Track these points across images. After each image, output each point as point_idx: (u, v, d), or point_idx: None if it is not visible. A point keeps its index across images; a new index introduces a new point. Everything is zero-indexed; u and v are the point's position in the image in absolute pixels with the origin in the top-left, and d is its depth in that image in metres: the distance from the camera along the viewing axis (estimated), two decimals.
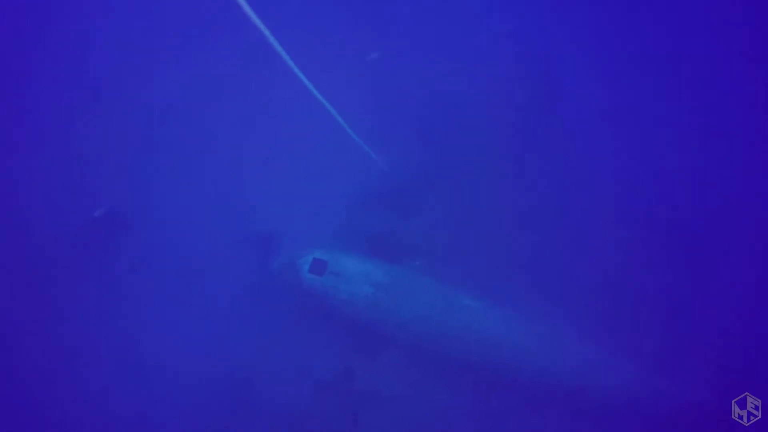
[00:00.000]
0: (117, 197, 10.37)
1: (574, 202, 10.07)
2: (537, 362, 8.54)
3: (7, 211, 10.13)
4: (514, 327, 8.74)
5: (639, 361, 8.55)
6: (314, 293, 8.90)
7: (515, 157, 10.51)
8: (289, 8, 10.72)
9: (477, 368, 8.73)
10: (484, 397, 8.77)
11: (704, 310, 9.15)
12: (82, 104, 11.40)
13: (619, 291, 9.29)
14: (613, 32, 11.53)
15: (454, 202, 10.05)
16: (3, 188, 10.38)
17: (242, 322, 9.29)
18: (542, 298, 9.06)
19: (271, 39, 7.27)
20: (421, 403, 8.72)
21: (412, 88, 11.26)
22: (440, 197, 10.13)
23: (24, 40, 11.91)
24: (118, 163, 10.67)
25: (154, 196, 10.43)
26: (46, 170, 10.53)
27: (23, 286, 9.67)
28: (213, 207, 10.26)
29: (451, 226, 9.84)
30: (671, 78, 11.15)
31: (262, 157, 10.63)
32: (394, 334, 8.84)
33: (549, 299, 9.08)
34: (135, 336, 9.26)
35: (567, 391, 8.50)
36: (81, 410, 8.70)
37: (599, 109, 10.77)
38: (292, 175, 10.51)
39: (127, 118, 11.29)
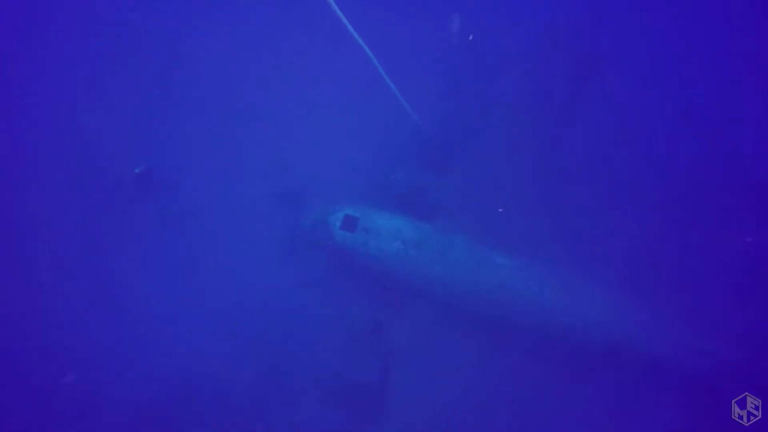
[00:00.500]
0: (157, 154, 10.59)
1: (615, 161, 9.71)
2: (571, 322, 8.35)
3: (54, 168, 10.53)
4: (549, 286, 8.54)
5: (678, 321, 8.26)
6: (345, 249, 8.96)
7: (557, 115, 10.12)
8: None
9: (509, 327, 8.66)
10: (516, 357, 8.72)
11: (747, 274, 8.74)
12: (124, 63, 11.63)
13: (658, 253, 8.98)
14: None
15: (491, 159, 9.77)
16: (50, 147, 10.77)
17: (275, 276, 9.49)
18: (579, 258, 8.83)
19: None
20: (451, 360, 8.75)
21: (455, 45, 10.89)
22: (476, 154, 9.87)
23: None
24: (158, 120, 10.85)
25: (192, 151, 10.61)
26: (88, 128, 10.84)
27: (67, 240, 10.11)
28: (249, 162, 10.37)
29: (487, 183, 9.60)
30: (722, 41, 10.36)
31: (298, 111, 10.60)
32: (425, 291, 8.84)
33: (586, 259, 8.85)
34: (171, 288, 9.57)
35: (601, 350, 8.32)
36: (120, 361, 9.14)
37: (648, 65, 10.19)
38: (329, 129, 10.47)
39: (167, 76, 11.45)
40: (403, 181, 9.69)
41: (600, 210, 9.36)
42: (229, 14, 11.67)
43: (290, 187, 9.99)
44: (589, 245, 9.03)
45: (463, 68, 10.66)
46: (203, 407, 8.61)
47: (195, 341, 9.09)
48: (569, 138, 9.98)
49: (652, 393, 8.38)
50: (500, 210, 9.21)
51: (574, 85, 10.36)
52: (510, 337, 8.71)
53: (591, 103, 10.23)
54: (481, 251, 8.80)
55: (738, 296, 8.62)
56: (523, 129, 9.95)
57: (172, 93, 11.16)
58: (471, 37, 10.35)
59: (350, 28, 7.91)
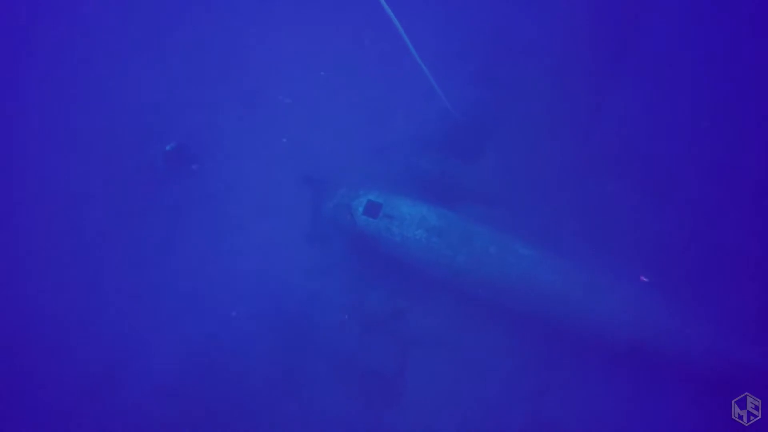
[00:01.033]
0: (187, 132, 10.72)
1: (648, 157, 9.32)
2: (592, 317, 8.22)
3: (86, 144, 10.79)
4: (571, 279, 8.39)
5: (700, 322, 8.06)
6: (367, 235, 8.94)
7: (588, 104, 9.78)
8: None
9: (530, 318, 8.57)
10: (535, 348, 8.66)
11: None
12: (155, 43, 11.69)
13: (686, 251, 8.72)
14: None
15: (519, 147, 9.60)
16: (82, 125, 11.01)
17: (299, 259, 9.57)
18: (603, 252, 8.63)
19: None
20: (470, 349, 8.75)
21: (485, 28, 10.55)
22: (505, 143, 9.71)
23: None
24: (189, 99, 10.94)
25: (222, 131, 10.68)
26: (121, 105, 11.03)
27: (98, 214, 10.39)
28: (274, 144, 10.38)
29: (513, 172, 9.45)
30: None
31: (326, 92, 10.50)
32: (446, 280, 8.79)
33: (610, 253, 8.64)
34: (197, 266, 9.78)
35: (621, 347, 8.19)
36: (140, 336, 9.46)
37: (687, 56, 9.58)
38: (356, 111, 10.38)
39: (200, 56, 11.46)
40: (429, 167, 9.55)
41: (628, 206, 9.09)
42: None
43: (315, 170, 9.98)
44: (615, 241, 8.83)
45: (497, 55, 10.36)
46: (221, 385, 8.86)
47: (215, 319, 9.31)
48: (601, 131, 9.64)
49: (667, 391, 8.24)
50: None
51: (609, 76, 9.96)
52: (530, 329, 8.64)
53: (625, 95, 9.83)
54: (504, 241, 8.67)
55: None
56: (555, 119, 9.70)
57: (202, 72, 11.19)
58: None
59: (386, 6, 7.66)
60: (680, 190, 9.11)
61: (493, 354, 8.75)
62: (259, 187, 10.19)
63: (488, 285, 8.55)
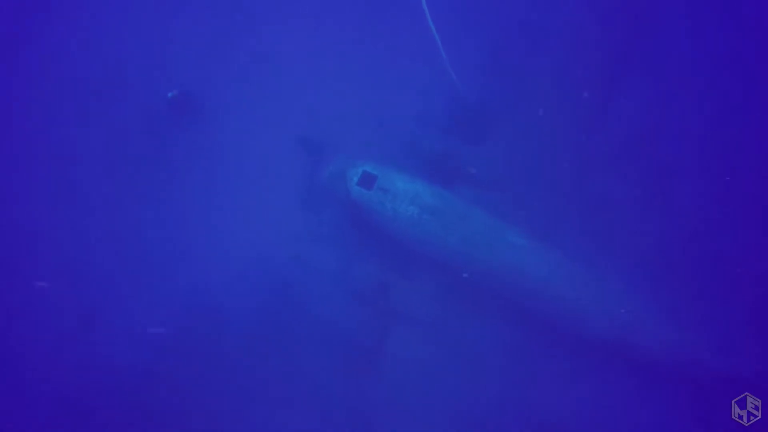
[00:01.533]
0: (192, 81, 10.47)
1: (653, 157, 9.13)
2: (576, 312, 8.25)
3: (84, 87, 10.58)
4: (560, 274, 8.37)
5: (686, 329, 8.11)
6: (359, 206, 8.86)
7: (598, 97, 9.55)
8: None
9: (515, 306, 8.59)
10: (517, 337, 8.70)
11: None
12: None
13: (682, 255, 8.66)
14: None
15: (523, 136, 9.42)
16: (82, 65, 10.77)
17: (289, 223, 9.50)
18: (597, 248, 8.58)
19: None
20: (451, 331, 8.78)
21: (506, 14, 10.18)
22: (510, 129, 9.52)
23: None
24: (196, 48, 10.64)
25: (226, 85, 10.43)
26: (124, 48, 10.76)
27: (94, 161, 10.25)
28: (281, 103, 10.16)
29: (515, 159, 9.31)
30: None
31: (334, 57, 10.22)
32: (435, 259, 8.75)
33: (605, 250, 8.58)
34: (189, 220, 9.72)
35: (602, 343, 8.26)
36: (132, 286, 9.46)
37: (703, 54, 9.19)
38: (363, 80, 10.09)
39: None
40: (430, 145, 9.39)
41: (626, 204, 8.98)
42: None
43: (314, 133, 9.79)
44: (610, 239, 8.77)
45: (513, 42, 10.03)
46: (201, 343, 8.93)
47: (203, 276, 9.32)
48: (608, 126, 9.41)
49: (650, 390, 8.32)
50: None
51: (619, 74, 9.71)
52: (515, 317, 8.65)
53: (636, 92, 9.57)
54: (498, 227, 8.61)
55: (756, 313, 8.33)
56: (563, 110, 9.49)
57: (210, 20, 10.80)
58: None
59: None
60: (680, 192, 8.98)
61: (474, 337, 8.78)
62: (257, 145, 10.00)
63: (477, 269, 8.52)
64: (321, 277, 9.19)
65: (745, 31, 9.54)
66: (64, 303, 9.35)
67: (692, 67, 9.50)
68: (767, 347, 8.12)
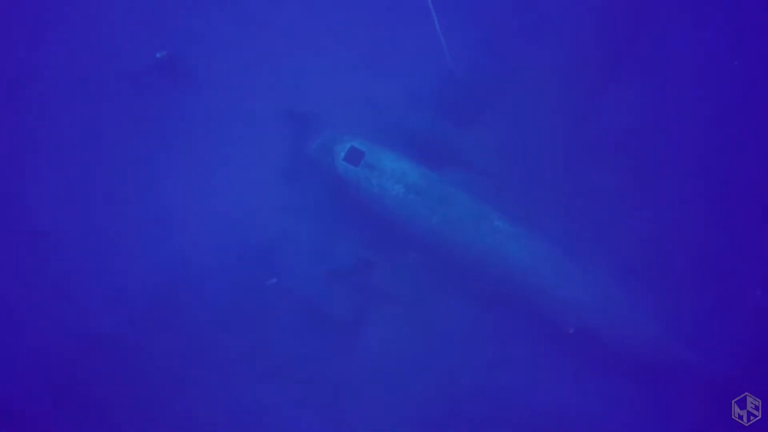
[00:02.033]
0: (181, 44, 10.19)
1: (643, 151, 9.14)
2: (554, 298, 8.29)
3: (73, 43, 10.31)
4: (540, 259, 8.40)
5: (662, 322, 8.20)
6: (345, 181, 8.79)
7: (594, 91, 9.48)
8: None
9: (494, 290, 8.62)
10: (495, 321, 8.73)
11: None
12: None
13: (665, 250, 8.68)
14: None
15: (514, 122, 9.33)
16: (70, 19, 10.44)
17: (272, 193, 9.43)
18: (579, 238, 8.57)
19: None
20: (429, 311, 8.80)
21: None
22: (503, 113, 9.41)
23: None
24: (188, 11, 10.33)
25: (215, 49, 10.19)
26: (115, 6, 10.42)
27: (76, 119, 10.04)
28: (271, 72, 9.99)
29: (505, 144, 9.22)
30: None
31: (327, 28, 10.02)
32: (418, 239, 8.73)
33: (586, 240, 8.59)
34: (170, 187, 9.59)
35: (577, 330, 8.29)
36: (112, 249, 9.35)
37: (701, 52, 9.02)
38: (355, 53, 9.93)
39: None
40: (419, 124, 9.29)
41: (614, 197, 8.98)
42: None
43: (301, 106, 9.63)
44: (593, 230, 8.77)
45: (509, 24, 9.90)
46: (180, 312, 8.90)
47: (181, 244, 9.23)
48: (601, 118, 9.39)
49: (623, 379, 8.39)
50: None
51: (616, 69, 9.65)
52: (493, 301, 8.68)
53: (632, 85, 9.55)
54: (481, 211, 8.61)
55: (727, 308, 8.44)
56: (557, 98, 9.39)
57: None
58: None
59: None
60: (665, 189, 8.99)
61: (451, 319, 8.80)
62: (244, 113, 9.84)
63: (459, 251, 8.52)
64: (301, 251, 9.14)
65: (740, 29, 9.51)
66: (39, 269, 9.25)
67: (689, 62, 9.46)
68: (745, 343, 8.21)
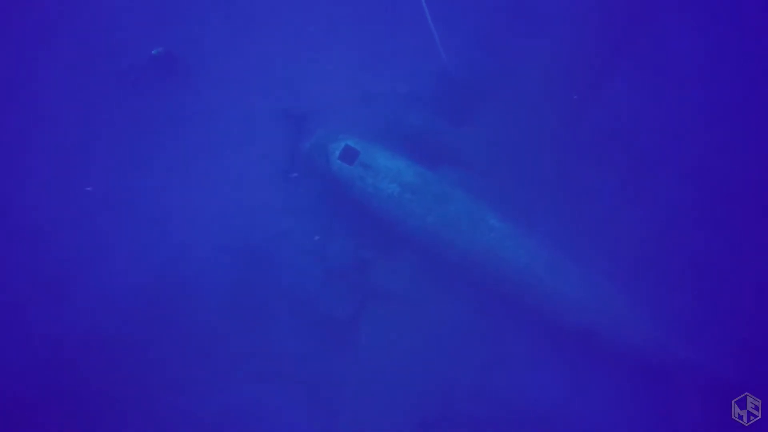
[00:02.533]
0: (177, 42, 10.13)
1: (638, 149, 9.07)
2: (550, 297, 8.24)
3: (68, 40, 10.26)
4: (537, 259, 8.34)
5: (661, 319, 8.15)
6: (340, 180, 8.73)
7: (588, 88, 9.37)
8: None
9: (491, 289, 8.57)
10: (492, 320, 8.69)
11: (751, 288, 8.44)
12: None
13: (663, 247, 8.66)
14: None
15: (511, 119, 9.22)
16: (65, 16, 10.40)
17: (267, 192, 9.38)
18: (575, 238, 8.53)
19: None
20: (426, 310, 8.72)
21: None
22: (497, 111, 9.31)
23: None
24: (185, 9, 10.29)
25: (211, 47, 10.14)
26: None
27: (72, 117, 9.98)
28: (266, 71, 9.93)
29: (499, 143, 9.12)
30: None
31: (321, 26, 9.95)
32: (413, 238, 8.68)
33: (584, 239, 8.55)
34: (164, 188, 9.55)
35: (576, 333, 8.26)
36: (106, 267, 9.27)
37: (700, 47, 8.78)
38: (349, 52, 9.86)
39: None
40: (415, 123, 9.19)
41: (609, 195, 8.95)
42: None
43: (297, 106, 9.58)
44: (590, 228, 8.71)
45: (503, 19, 9.82)
46: (177, 312, 8.89)
47: (177, 243, 9.22)
48: (596, 115, 9.31)
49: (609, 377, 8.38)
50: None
51: (612, 66, 9.55)
52: (490, 300, 8.63)
53: (626, 83, 9.46)
54: (477, 209, 8.54)
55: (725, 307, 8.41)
56: (552, 96, 9.30)
57: None
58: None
59: None
60: (661, 187, 8.94)
61: (448, 319, 8.75)
62: (239, 113, 9.79)
63: (455, 250, 8.47)
64: (297, 251, 9.10)
65: (739, 26, 9.41)
66: (37, 265, 9.26)
67: (687, 57, 9.38)
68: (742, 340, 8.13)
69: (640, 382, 8.24)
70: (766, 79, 9.36)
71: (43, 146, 9.81)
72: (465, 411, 8.39)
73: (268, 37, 10.09)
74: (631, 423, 8.22)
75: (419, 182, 8.57)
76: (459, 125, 9.24)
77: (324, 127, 9.04)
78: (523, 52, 9.59)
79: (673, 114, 9.23)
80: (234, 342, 8.79)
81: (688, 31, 9.49)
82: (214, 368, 8.75)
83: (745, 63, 9.36)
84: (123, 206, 9.49)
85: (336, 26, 9.96)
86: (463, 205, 8.50)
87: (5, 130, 9.88)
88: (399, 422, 8.37)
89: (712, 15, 9.47)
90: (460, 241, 8.38)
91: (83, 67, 10.12)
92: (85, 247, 9.33)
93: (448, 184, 8.64)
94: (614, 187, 8.93)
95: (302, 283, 8.93)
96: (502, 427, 8.30)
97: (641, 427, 8.21)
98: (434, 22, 8.05)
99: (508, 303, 8.52)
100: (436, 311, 8.79)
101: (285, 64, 9.93)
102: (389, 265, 8.88)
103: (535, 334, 8.48)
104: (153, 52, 9.95)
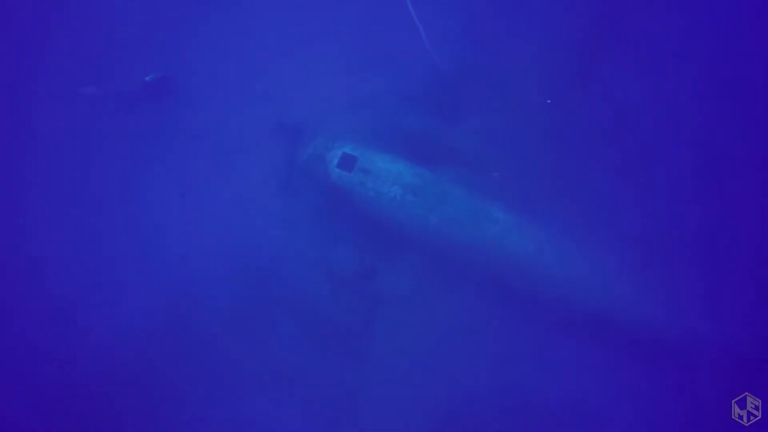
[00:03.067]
0: (169, 65, 10.18)
1: (635, 130, 9.02)
2: (562, 285, 8.18)
3: (59, 70, 10.33)
4: (545, 247, 8.29)
5: (672, 298, 8.09)
6: (341, 188, 8.71)
7: (581, 75, 9.36)
8: None
9: (501, 285, 8.49)
10: (503, 315, 8.59)
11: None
12: None
13: (665, 229, 8.59)
14: None
15: (505, 111, 9.22)
16: (57, 47, 10.47)
17: (268, 208, 9.32)
18: (580, 223, 8.48)
19: None
20: (437, 312, 8.67)
21: None
22: (491, 105, 9.31)
23: None
24: (173, 32, 10.33)
25: (201, 68, 10.18)
26: (104, 28, 10.43)
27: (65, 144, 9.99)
28: (258, 86, 9.93)
29: (497, 135, 9.12)
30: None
31: (308, 36, 9.96)
32: (419, 239, 8.63)
33: (587, 225, 8.49)
34: (162, 211, 9.52)
35: (589, 319, 8.17)
36: (111, 287, 9.24)
37: (699, 32, 8.90)
38: (338, 58, 9.84)
39: None
40: (410, 124, 9.19)
41: (608, 180, 8.87)
42: None
43: (291, 118, 9.55)
44: (593, 212, 8.65)
45: (492, 13, 9.75)
46: (185, 331, 8.80)
47: (181, 264, 9.16)
48: (591, 100, 9.25)
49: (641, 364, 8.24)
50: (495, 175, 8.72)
51: (603, 46, 9.50)
52: (500, 294, 8.54)
53: (618, 66, 9.37)
54: (480, 204, 8.51)
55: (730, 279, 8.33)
56: (545, 85, 9.30)
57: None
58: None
59: None
60: (662, 169, 8.87)
61: (462, 316, 8.68)
62: (235, 130, 9.78)
63: (461, 248, 8.42)
64: (303, 263, 9.03)
65: (731, 14, 9.33)
66: (41, 296, 9.21)
67: (677, 45, 9.32)
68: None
69: (657, 362, 8.15)
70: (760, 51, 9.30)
71: (37, 180, 9.83)
72: (483, 408, 8.29)
73: (255, 54, 10.11)
74: (650, 403, 8.12)
75: (420, 183, 8.54)
76: (455, 121, 9.20)
77: (319, 137, 9.03)
78: (511, 42, 9.58)
79: (669, 90, 9.17)
80: (245, 359, 8.70)
81: (680, 9, 9.45)
82: (226, 386, 8.66)
83: (739, 37, 9.33)
84: (122, 230, 9.46)
85: (322, 34, 9.96)
86: (465, 202, 8.47)
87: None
88: (421, 423, 8.24)
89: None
90: (466, 237, 8.35)
91: (74, 95, 10.13)
92: (87, 272, 9.28)
93: (449, 183, 8.62)
94: (615, 168, 8.86)
95: (310, 295, 8.85)
96: (521, 421, 8.18)
97: (660, 407, 8.10)
98: (420, 18, 8.03)
99: (518, 295, 8.43)
100: (446, 311, 8.72)
101: (274, 77, 9.91)
102: (396, 270, 8.82)
103: (547, 324, 8.39)
104: (146, 78, 10.00)
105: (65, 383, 8.70)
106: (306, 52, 9.92)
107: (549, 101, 8.94)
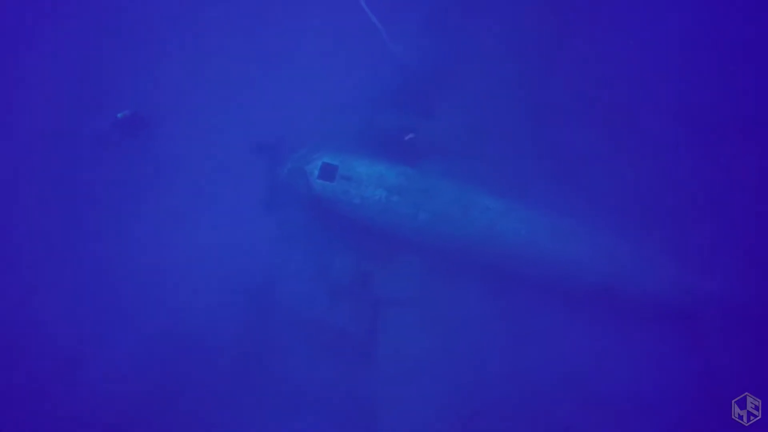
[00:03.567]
0: (140, 100, 10.16)
1: (605, 102, 9.00)
2: (559, 263, 8.16)
3: (32, 111, 10.27)
4: (537, 227, 8.28)
5: (672, 260, 8.12)
6: (326, 199, 8.64)
7: (546, 52, 9.33)
8: None
9: (499, 270, 8.46)
10: (506, 298, 8.57)
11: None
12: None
13: (655, 189, 8.64)
14: None
15: (477, 98, 9.20)
16: (28, 88, 10.40)
17: (257, 228, 9.26)
18: (567, 199, 8.45)
19: None
20: (440, 305, 8.61)
21: None
22: (461, 94, 9.29)
23: None
24: (141, 66, 10.34)
25: (173, 100, 10.14)
26: (71, 69, 10.42)
27: (45, 184, 9.94)
28: (228, 111, 9.92)
29: (471, 123, 9.08)
30: None
31: (269, 55, 9.96)
32: (411, 239, 8.58)
33: (573, 200, 8.46)
34: (153, 241, 9.45)
35: (591, 290, 8.17)
36: (109, 316, 9.17)
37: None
38: (305, 69, 9.80)
39: (150, 25, 10.70)
40: (384, 124, 9.16)
41: (588, 151, 8.83)
42: None
43: (266, 137, 9.50)
44: (577, 186, 8.62)
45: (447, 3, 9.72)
46: (190, 366, 8.76)
47: (178, 297, 9.08)
48: (558, 77, 9.23)
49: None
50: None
51: (565, 20, 9.51)
52: (499, 279, 8.52)
53: (583, 41, 9.37)
54: (467, 194, 8.46)
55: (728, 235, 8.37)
56: (511, 67, 9.27)
57: (156, 38, 10.46)
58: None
59: None
60: (641, 134, 8.88)
61: (464, 307, 8.62)
62: (213, 156, 9.73)
63: (454, 240, 8.37)
64: (299, 279, 8.95)
65: None
66: (46, 340, 9.11)
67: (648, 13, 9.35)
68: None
69: (665, 325, 8.16)
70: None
71: (24, 231, 9.76)
72: (503, 395, 8.24)
73: (223, 78, 10.12)
74: (663, 365, 8.13)
75: (403, 182, 8.49)
76: (428, 116, 9.17)
77: (297, 150, 8.98)
78: (471, 27, 9.54)
79: (646, 49, 9.20)
80: (253, 381, 8.62)
81: None
82: (239, 410, 8.58)
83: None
84: (113, 268, 9.36)
85: (283, 52, 9.97)
86: (451, 194, 8.42)
87: None
88: (440, 419, 8.13)
89: None
90: (457, 230, 8.29)
91: (53, 136, 10.11)
92: (88, 320, 9.20)
93: (432, 177, 8.56)
94: (599, 137, 8.84)
95: (311, 309, 8.77)
96: (540, 402, 8.16)
97: (674, 369, 8.09)
98: (378, 18, 8.03)
99: (520, 278, 8.39)
100: (450, 306, 8.63)
101: (243, 100, 9.90)
102: (393, 272, 8.74)
103: (553, 303, 8.36)
104: (118, 115, 9.96)
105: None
106: (270, 71, 9.91)
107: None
